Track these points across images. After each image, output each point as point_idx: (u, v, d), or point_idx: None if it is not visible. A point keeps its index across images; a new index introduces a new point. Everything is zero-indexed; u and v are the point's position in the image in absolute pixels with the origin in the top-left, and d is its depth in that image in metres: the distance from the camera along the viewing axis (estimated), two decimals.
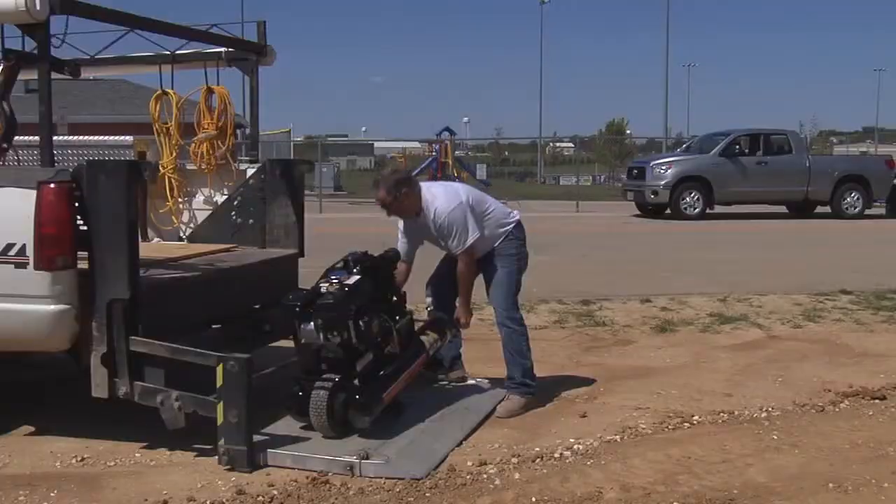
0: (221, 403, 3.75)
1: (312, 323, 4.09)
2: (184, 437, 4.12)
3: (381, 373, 4.30)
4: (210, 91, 5.72)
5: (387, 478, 3.70)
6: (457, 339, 5.06)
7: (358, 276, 4.27)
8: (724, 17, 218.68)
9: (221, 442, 3.78)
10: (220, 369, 3.75)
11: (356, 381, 4.13)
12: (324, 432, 4.05)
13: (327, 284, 4.21)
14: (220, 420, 3.76)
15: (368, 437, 4.03)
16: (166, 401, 3.84)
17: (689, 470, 3.79)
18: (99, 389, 3.91)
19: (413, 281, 4.88)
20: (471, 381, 5.11)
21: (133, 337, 3.86)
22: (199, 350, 3.92)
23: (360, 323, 4.13)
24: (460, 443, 4.19)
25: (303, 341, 4.16)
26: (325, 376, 4.11)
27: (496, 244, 4.80)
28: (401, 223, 4.85)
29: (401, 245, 4.85)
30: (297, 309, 4.13)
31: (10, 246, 3.79)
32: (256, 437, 3.87)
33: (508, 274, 4.79)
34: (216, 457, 3.84)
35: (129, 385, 3.88)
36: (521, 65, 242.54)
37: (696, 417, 4.63)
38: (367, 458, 3.78)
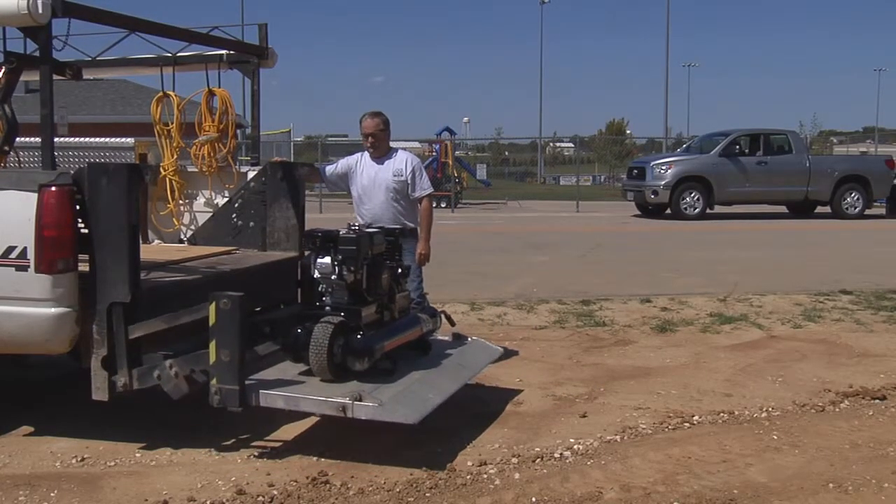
0: (214, 342, 3.73)
1: (329, 257, 4.18)
2: (184, 437, 4.14)
3: (381, 327, 4.38)
4: (211, 93, 5.74)
5: (378, 420, 3.69)
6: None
7: (376, 231, 4.47)
8: (724, 17, 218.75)
9: (213, 382, 3.75)
10: (212, 307, 3.73)
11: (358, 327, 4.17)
12: (320, 373, 4.04)
13: (347, 230, 4.34)
14: (212, 359, 3.74)
15: (363, 382, 4.01)
16: (163, 372, 3.84)
17: (689, 470, 3.81)
18: (99, 392, 3.92)
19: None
20: (470, 339, 5.17)
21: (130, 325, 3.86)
22: (191, 308, 3.89)
23: (373, 271, 4.28)
24: (453, 395, 4.26)
25: (316, 275, 4.22)
26: (327, 317, 4.13)
27: (411, 227, 5.57)
28: (351, 158, 5.68)
29: (335, 166, 5.75)
30: (318, 241, 4.18)
31: (11, 249, 3.80)
32: (249, 381, 3.85)
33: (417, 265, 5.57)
34: (214, 456, 3.85)
35: (127, 375, 3.88)
36: (521, 65, 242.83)
37: (696, 417, 4.64)
38: (360, 400, 3.76)
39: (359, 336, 4.12)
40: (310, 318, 4.17)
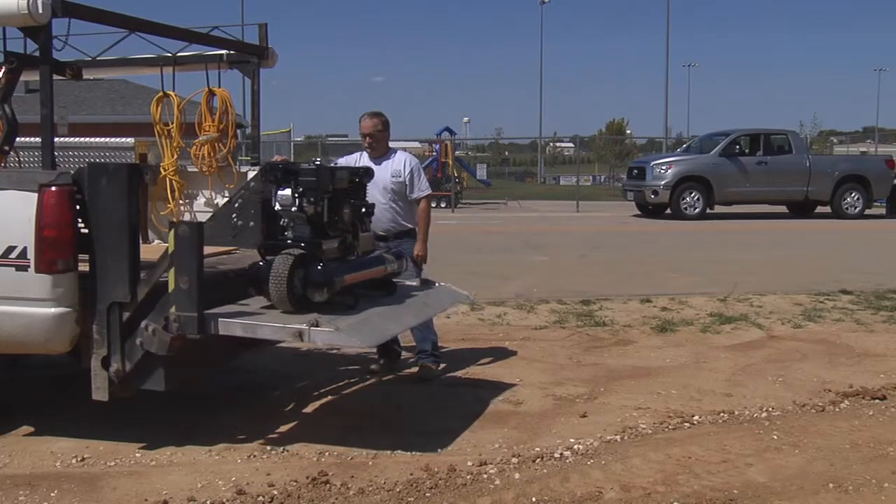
0: (173, 270, 3.70)
1: (290, 189, 4.15)
2: (184, 437, 4.14)
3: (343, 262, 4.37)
4: (211, 93, 5.73)
5: (332, 346, 3.65)
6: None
7: (339, 167, 4.45)
8: (724, 17, 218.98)
9: (172, 309, 3.72)
10: (171, 234, 3.71)
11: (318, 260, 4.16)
12: (281, 305, 4.01)
13: (308, 164, 4.31)
14: (171, 287, 3.71)
15: (323, 313, 3.99)
16: (143, 337, 3.81)
17: (689, 470, 3.81)
18: (99, 392, 3.92)
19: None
20: (438, 284, 5.18)
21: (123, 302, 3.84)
22: (162, 256, 3.85)
23: (335, 205, 4.24)
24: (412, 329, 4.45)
25: (277, 208, 4.20)
26: (288, 250, 4.10)
27: (409, 227, 5.58)
28: (350, 158, 5.67)
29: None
30: (279, 173, 4.17)
31: (11, 248, 3.80)
32: (209, 312, 3.81)
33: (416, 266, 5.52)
34: (214, 456, 3.83)
35: (119, 360, 3.86)
36: (521, 65, 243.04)
37: (696, 417, 4.64)
38: (317, 326, 3.75)
39: (318, 267, 4.09)
40: (270, 250, 4.15)
